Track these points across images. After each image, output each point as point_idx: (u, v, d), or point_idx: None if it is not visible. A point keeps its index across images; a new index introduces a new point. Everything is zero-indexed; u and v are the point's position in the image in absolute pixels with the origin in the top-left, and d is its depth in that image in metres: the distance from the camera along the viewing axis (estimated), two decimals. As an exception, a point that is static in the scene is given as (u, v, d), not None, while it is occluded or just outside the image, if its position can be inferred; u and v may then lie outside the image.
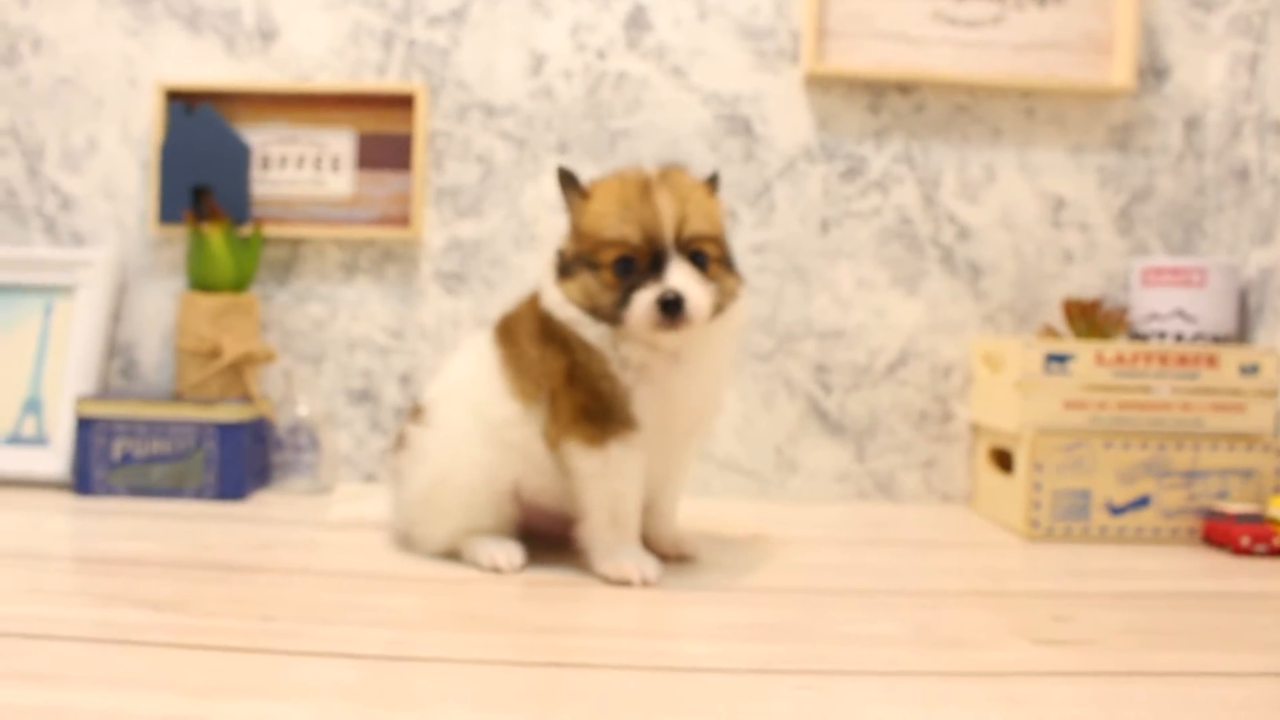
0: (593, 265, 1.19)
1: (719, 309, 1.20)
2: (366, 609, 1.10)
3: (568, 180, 1.23)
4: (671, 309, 1.15)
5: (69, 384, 1.67)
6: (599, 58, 1.73)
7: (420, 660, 0.96)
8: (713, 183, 1.27)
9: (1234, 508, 1.48)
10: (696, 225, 1.19)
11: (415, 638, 1.02)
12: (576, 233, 1.22)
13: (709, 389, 1.28)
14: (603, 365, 1.20)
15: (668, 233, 1.17)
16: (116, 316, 1.75)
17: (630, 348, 1.19)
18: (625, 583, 1.21)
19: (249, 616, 1.06)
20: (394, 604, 1.13)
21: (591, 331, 1.20)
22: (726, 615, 1.12)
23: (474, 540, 1.28)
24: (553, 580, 1.23)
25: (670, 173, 1.21)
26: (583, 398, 1.21)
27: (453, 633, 1.04)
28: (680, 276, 1.16)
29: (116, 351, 1.76)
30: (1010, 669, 0.97)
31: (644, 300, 1.15)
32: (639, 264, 1.17)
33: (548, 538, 1.33)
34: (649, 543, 1.31)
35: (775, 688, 0.91)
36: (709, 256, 1.20)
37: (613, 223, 1.18)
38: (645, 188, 1.18)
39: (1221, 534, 1.48)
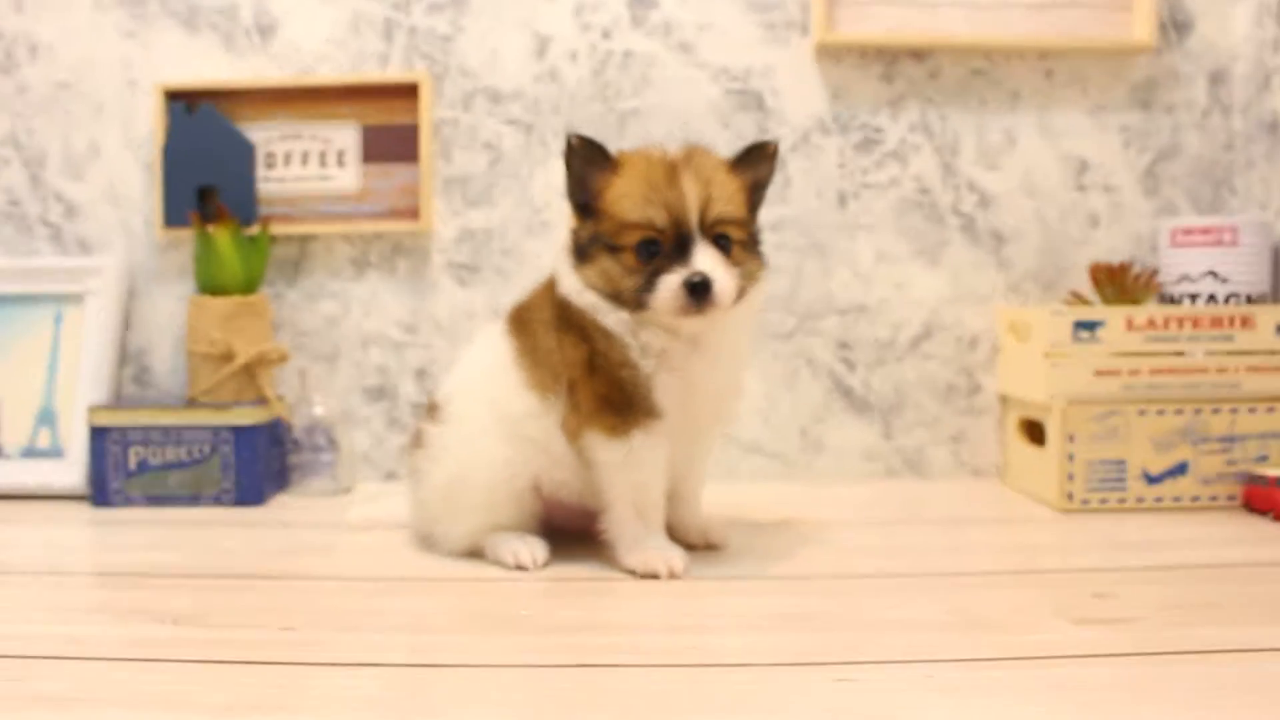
0: (613, 248, 1.16)
1: (741, 293, 1.17)
2: (388, 614, 1.08)
3: (595, 152, 1.17)
4: (699, 293, 1.12)
5: (82, 393, 1.65)
6: (604, 37, 1.70)
7: (443, 667, 0.93)
8: (751, 155, 1.22)
9: (1275, 472, 1.44)
10: (721, 208, 1.15)
11: (438, 643, 0.99)
12: (597, 212, 1.17)
13: (729, 374, 1.25)
14: (623, 353, 1.16)
15: (693, 216, 1.14)
16: (127, 323, 1.73)
17: (650, 334, 1.16)
18: (652, 576, 1.18)
19: (268, 627, 1.04)
20: (415, 607, 1.10)
21: (611, 318, 1.16)
22: (757, 605, 1.09)
23: (496, 538, 1.25)
24: (577, 576, 1.20)
25: (695, 153, 1.17)
26: (603, 387, 1.17)
27: (476, 635, 1.02)
28: (706, 260, 1.13)
29: (129, 359, 1.74)
30: (1052, 652, 0.94)
31: (670, 284, 1.12)
32: (663, 247, 1.14)
33: (571, 532, 1.31)
34: (674, 532, 1.28)
35: (812, 681, 0.88)
36: (732, 240, 1.17)
37: (638, 204, 1.14)
38: (671, 169, 1.15)
39: (1263, 500, 1.44)
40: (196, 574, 1.23)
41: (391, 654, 0.96)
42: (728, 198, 1.16)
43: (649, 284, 1.13)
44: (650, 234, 1.14)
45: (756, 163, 1.22)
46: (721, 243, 1.16)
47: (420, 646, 0.98)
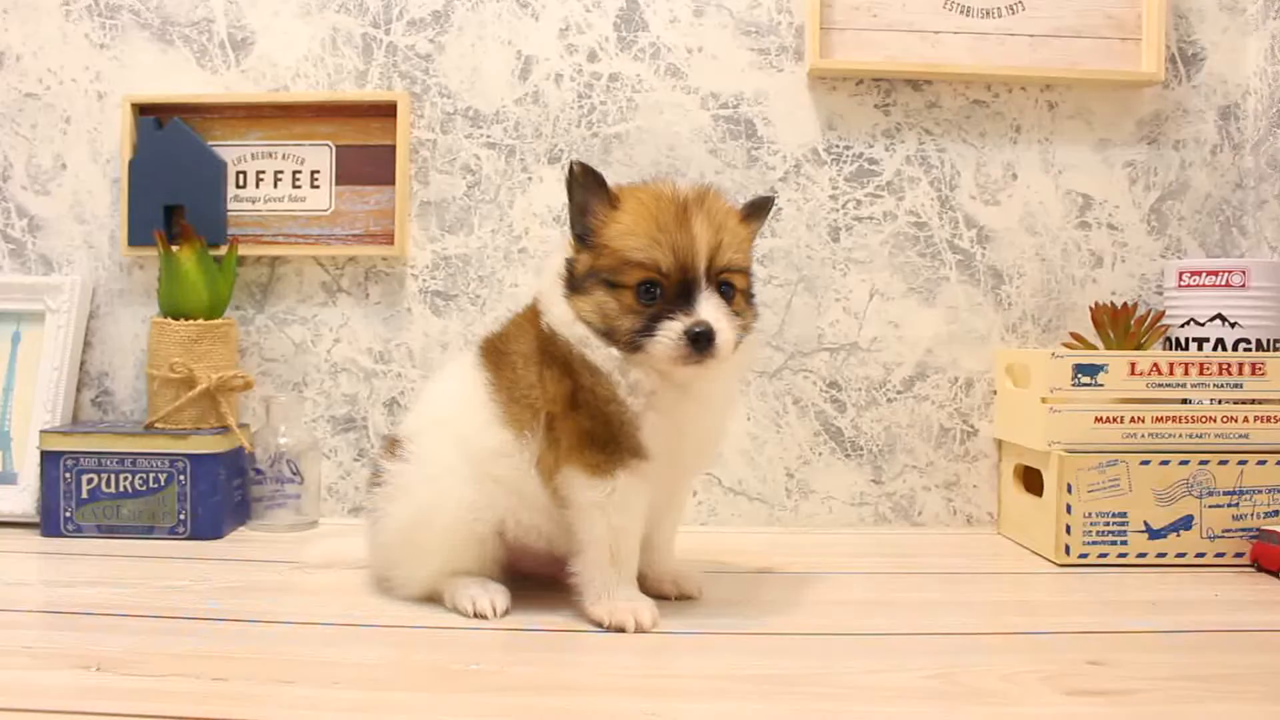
0: (612, 285, 1.10)
1: (738, 342, 1.12)
2: (331, 664, 1.01)
3: (594, 182, 1.12)
4: (701, 343, 1.07)
5: (38, 416, 1.58)
6: (590, 60, 1.64)
7: (382, 729, 0.86)
8: (761, 209, 1.20)
9: (1285, 529, 1.37)
10: (730, 257, 1.11)
11: (379, 700, 0.92)
12: (596, 245, 1.12)
13: (717, 419, 1.21)
14: (610, 389, 1.11)
15: (701, 262, 1.09)
16: (89, 344, 1.66)
17: (641, 374, 1.10)
18: (619, 629, 1.11)
19: (200, 676, 0.97)
20: (362, 658, 1.03)
21: (600, 354, 1.11)
22: (728, 665, 1.02)
23: (456, 583, 1.19)
24: (540, 626, 1.13)
25: (707, 196, 1.13)
26: (587, 422, 1.11)
27: (423, 693, 0.95)
28: (710, 309, 1.08)
29: (90, 381, 1.67)
30: (1043, 729, 0.87)
31: (671, 331, 1.07)
32: (666, 291, 1.09)
33: (536, 578, 1.23)
34: (646, 580, 1.22)
35: (777, 759, 0.80)
36: (736, 289, 1.13)
37: (643, 243, 1.09)
38: (683, 210, 1.10)
39: (1272, 558, 1.37)
40: (135, 613, 1.16)
41: (327, 712, 0.89)
42: (737, 245, 1.13)
43: (648, 328, 1.08)
44: (653, 276, 1.09)
45: (762, 214, 1.20)
46: (725, 290, 1.11)
47: (359, 704, 0.91)
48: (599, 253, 1.12)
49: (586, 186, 1.13)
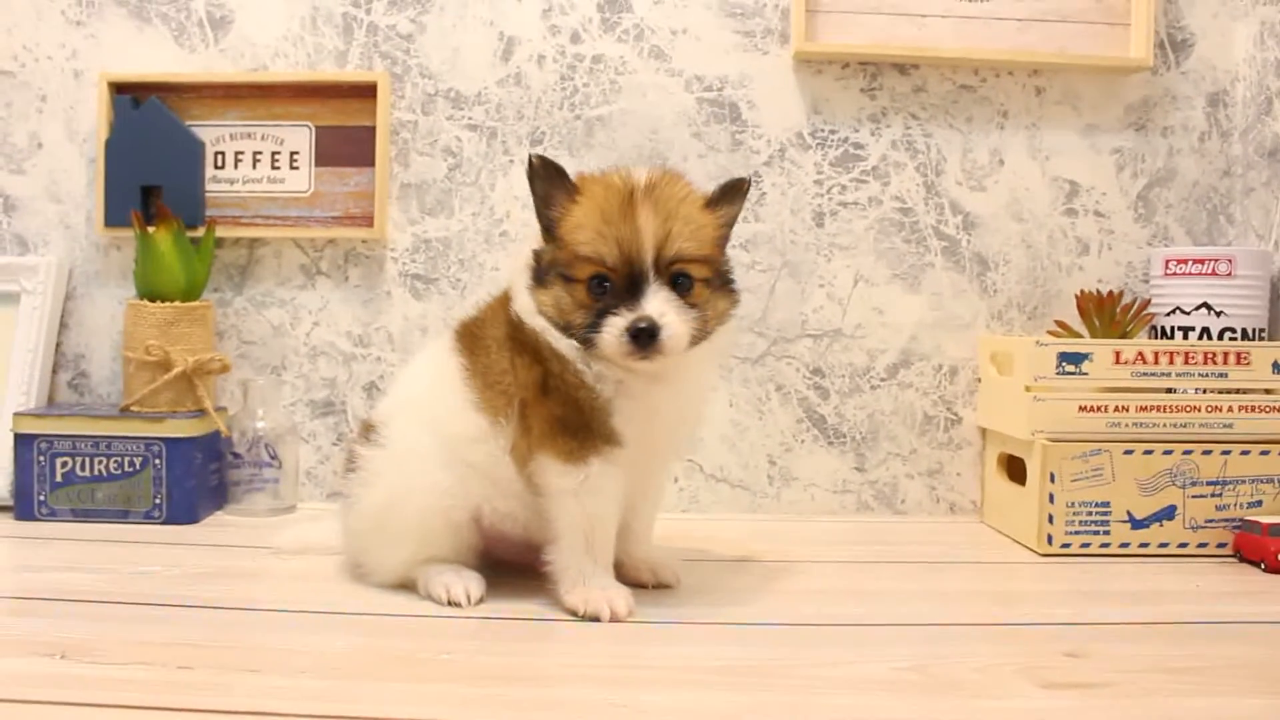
0: (567, 279, 1.09)
1: (703, 335, 1.10)
2: (300, 653, 1.00)
3: (555, 174, 1.10)
4: (643, 340, 1.05)
5: (12, 398, 1.56)
6: (573, 41, 1.61)
7: (346, 719, 0.84)
8: (733, 192, 1.15)
9: (1268, 519, 1.36)
10: (681, 246, 1.08)
11: (349, 689, 0.91)
12: (557, 238, 1.10)
13: (691, 404, 1.19)
14: (578, 376, 1.09)
15: (647, 254, 1.07)
16: (65, 326, 1.64)
17: (606, 365, 1.09)
18: (594, 618, 1.10)
19: (164, 665, 0.95)
20: (332, 646, 1.02)
21: (563, 343, 1.10)
22: (702, 654, 1.01)
23: (429, 570, 1.17)
24: (514, 614, 1.12)
25: (660, 183, 1.10)
26: (559, 408, 1.10)
27: (394, 682, 0.93)
28: (656, 304, 1.06)
29: (66, 363, 1.65)
30: (1016, 722, 0.86)
31: (615, 327, 1.05)
32: (615, 285, 1.07)
33: (512, 565, 1.22)
34: (623, 569, 1.21)
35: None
36: (694, 279, 1.10)
37: (590, 237, 1.07)
38: (629, 200, 1.07)
39: (1254, 548, 1.36)
40: (104, 599, 1.14)
41: (292, 701, 0.88)
42: (691, 233, 1.09)
43: (595, 324, 1.07)
44: (601, 270, 1.07)
45: (733, 200, 1.16)
46: (681, 282, 1.08)
47: (327, 693, 0.90)
48: (559, 245, 1.10)
49: (547, 179, 1.10)
